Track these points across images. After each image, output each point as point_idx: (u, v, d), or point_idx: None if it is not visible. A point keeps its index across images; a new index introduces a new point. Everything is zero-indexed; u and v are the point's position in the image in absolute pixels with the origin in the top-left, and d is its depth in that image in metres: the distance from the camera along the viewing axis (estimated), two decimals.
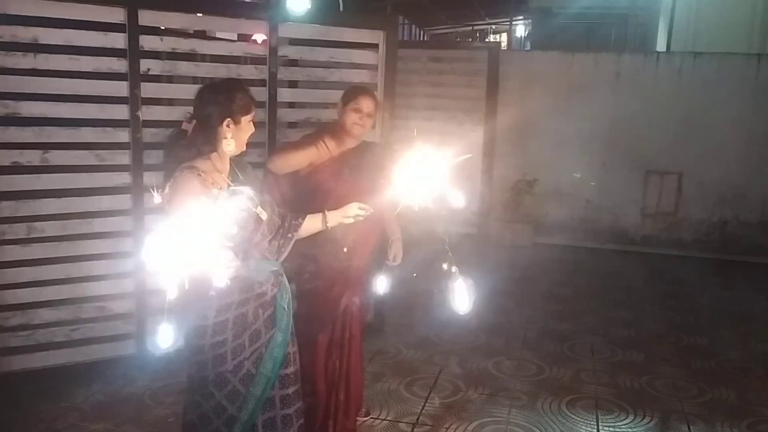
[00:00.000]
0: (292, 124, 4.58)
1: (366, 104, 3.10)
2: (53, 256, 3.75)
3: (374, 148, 3.29)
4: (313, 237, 2.72)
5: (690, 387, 4.21)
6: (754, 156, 7.61)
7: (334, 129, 3.15)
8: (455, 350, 4.61)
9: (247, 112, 2.41)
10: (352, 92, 3.16)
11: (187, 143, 2.37)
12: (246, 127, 2.42)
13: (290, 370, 2.58)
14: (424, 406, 3.82)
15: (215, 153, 2.39)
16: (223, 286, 2.15)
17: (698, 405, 3.96)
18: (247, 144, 2.47)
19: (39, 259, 3.71)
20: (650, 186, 7.97)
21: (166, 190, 2.32)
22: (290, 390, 2.57)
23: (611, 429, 3.65)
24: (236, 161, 2.52)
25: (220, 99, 2.36)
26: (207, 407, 2.44)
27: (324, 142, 3.02)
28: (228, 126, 2.36)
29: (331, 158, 3.08)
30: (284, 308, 2.56)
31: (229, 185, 2.38)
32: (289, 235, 2.60)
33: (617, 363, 4.55)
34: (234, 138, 2.38)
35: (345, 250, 3.08)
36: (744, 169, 7.66)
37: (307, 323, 3.15)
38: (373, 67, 4.52)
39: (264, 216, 2.47)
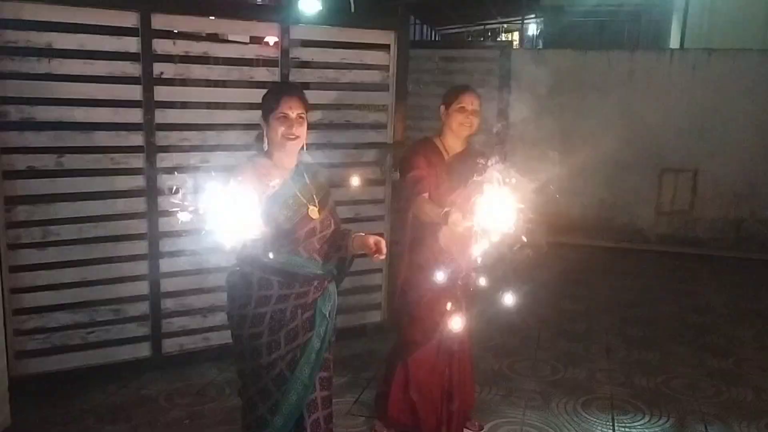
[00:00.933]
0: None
1: (470, 101, 3.09)
2: (69, 259, 3.79)
3: (476, 153, 3.18)
4: (421, 247, 2.93)
5: (707, 387, 4.17)
6: None
7: (435, 140, 3.20)
8: None
9: (271, 111, 2.50)
10: (453, 92, 3.15)
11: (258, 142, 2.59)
12: (273, 125, 2.50)
13: (326, 374, 2.69)
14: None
15: (276, 151, 2.53)
16: (233, 246, 2.19)
17: (715, 405, 3.93)
18: (304, 140, 2.55)
19: (55, 262, 3.75)
20: (665, 184, 7.90)
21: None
22: (327, 393, 2.70)
23: (627, 429, 3.63)
24: (306, 164, 2.64)
25: (261, 100, 2.56)
26: (246, 397, 2.61)
27: (448, 214, 2.79)
28: (262, 124, 2.54)
29: (444, 164, 3.12)
30: (325, 315, 2.63)
31: (286, 182, 2.52)
32: (339, 244, 2.66)
33: (633, 362, 4.51)
34: (266, 136, 2.53)
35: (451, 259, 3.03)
36: (759, 166, 7.58)
37: (414, 331, 3.21)
38: (384, 68, 4.52)
39: (315, 215, 2.55)
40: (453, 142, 3.17)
